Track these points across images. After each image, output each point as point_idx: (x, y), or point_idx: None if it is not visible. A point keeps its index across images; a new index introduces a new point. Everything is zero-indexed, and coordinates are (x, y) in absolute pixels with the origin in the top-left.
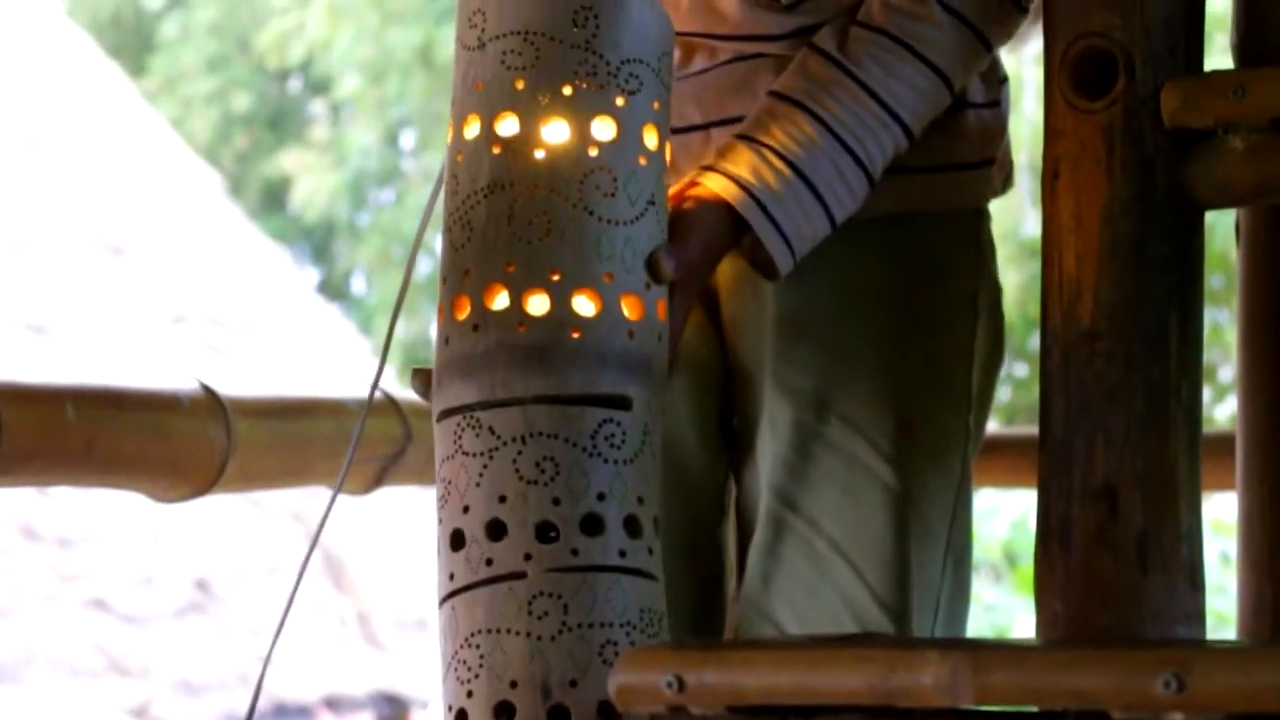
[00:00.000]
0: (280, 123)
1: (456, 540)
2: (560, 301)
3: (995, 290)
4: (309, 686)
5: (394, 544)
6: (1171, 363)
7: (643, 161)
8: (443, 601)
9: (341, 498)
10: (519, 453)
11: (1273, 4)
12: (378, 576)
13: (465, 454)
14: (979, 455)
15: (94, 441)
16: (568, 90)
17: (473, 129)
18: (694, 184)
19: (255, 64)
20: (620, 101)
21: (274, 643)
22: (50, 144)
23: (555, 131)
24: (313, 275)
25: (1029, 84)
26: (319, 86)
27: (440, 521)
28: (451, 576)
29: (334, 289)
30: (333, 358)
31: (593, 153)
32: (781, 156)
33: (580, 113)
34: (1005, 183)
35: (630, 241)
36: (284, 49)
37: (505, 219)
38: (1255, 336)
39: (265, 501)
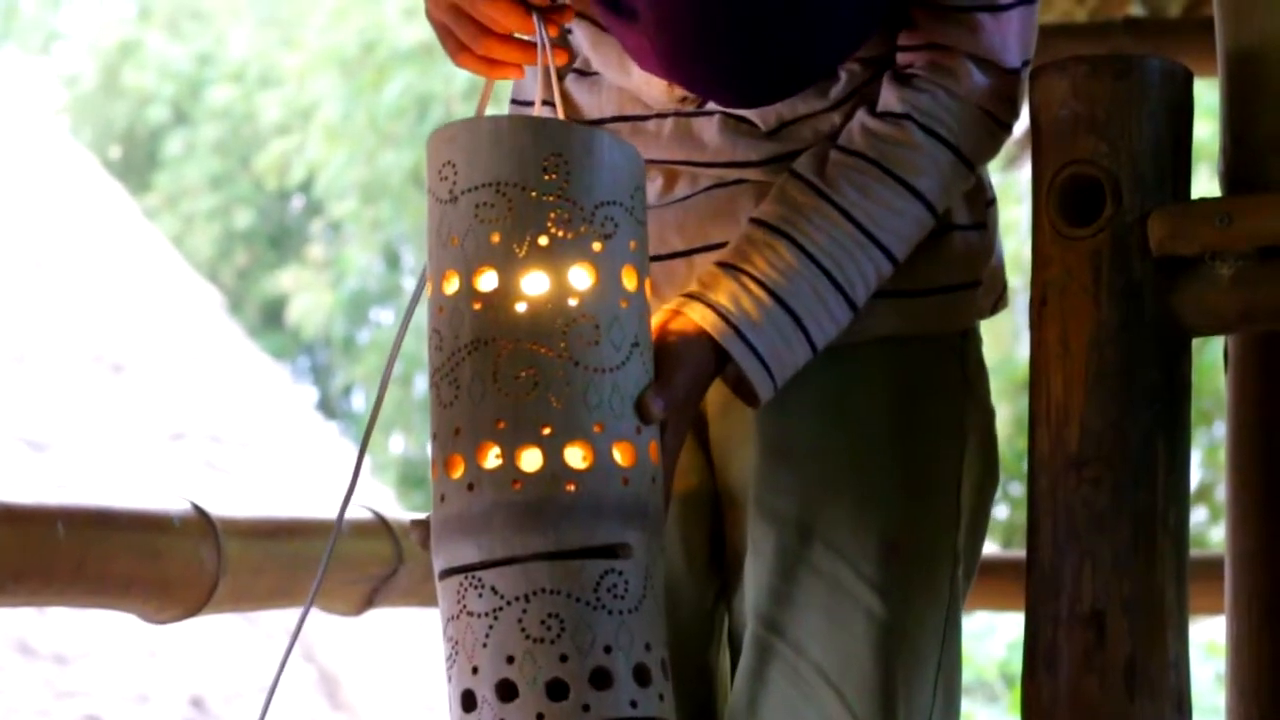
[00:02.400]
0: (281, 241)
1: (468, 701)
2: (552, 455)
3: (985, 411)
4: None
5: (389, 663)
6: (1159, 490)
7: (623, 305)
8: None
9: (335, 617)
10: (524, 611)
11: (1259, 132)
12: (373, 695)
13: (470, 614)
14: (977, 577)
15: (84, 561)
16: (544, 241)
17: (452, 285)
18: (676, 313)
19: (256, 182)
20: (597, 247)
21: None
22: (52, 260)
23: (534, 283)
24: (311, 392)
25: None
26: (317, 206)
27: (450, 680)
28: None
29: (332, 406)
30: (330, 475)
31: (573, 301)
32: (761, 284)
33: (558, 262)
34: (997, 304)
35: (617, 388)
36: (284, 169)
37: (491, 375)
38: (1244, 462)
39: (260, 619)
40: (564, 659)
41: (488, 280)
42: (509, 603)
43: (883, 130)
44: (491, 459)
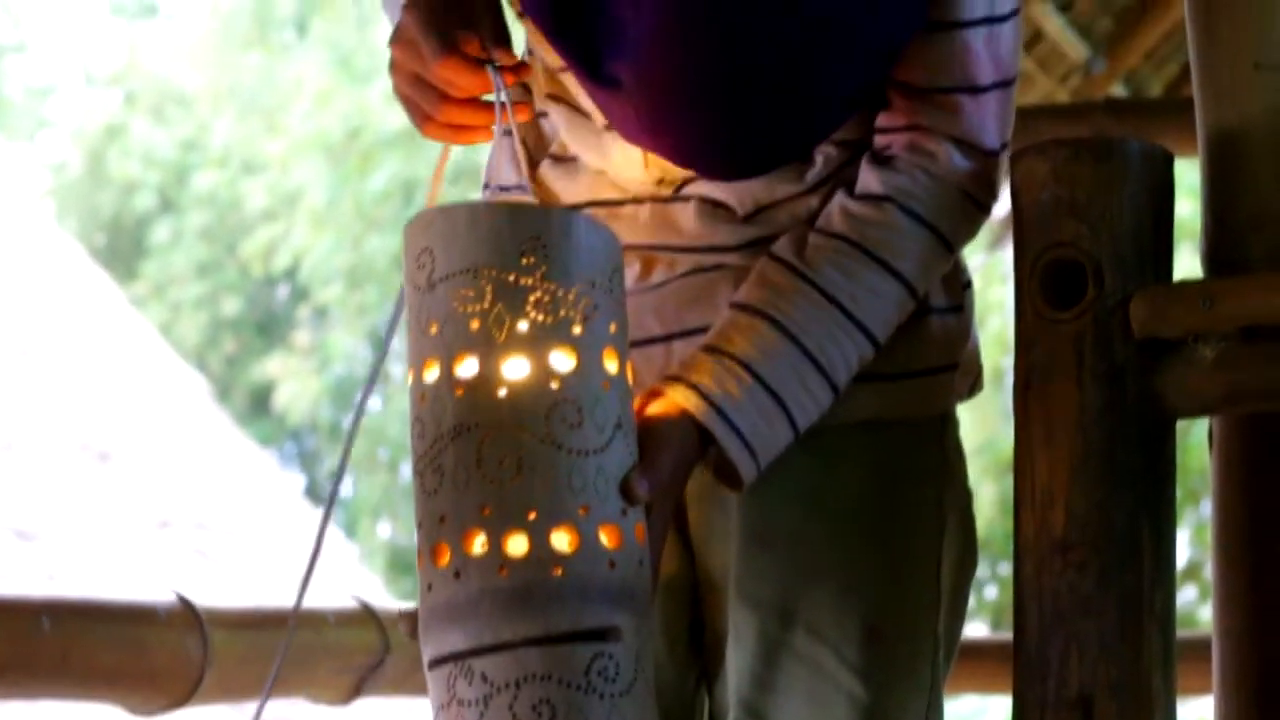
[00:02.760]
0: (268, 328)
1: None
2: (538, 540)
3: (964, 494)
4: None
5: None
6: (1144, 573)
7: (605, 386)
8: None
9: (322, 707)
10: (514, 698)
11: (1240, 212)
12: None
13: (460, 703)
14: (961, 659)
15: (69, 654)
16: (523, 326)
17: (432, 373)
18: (657, 394)
19: (242, 268)
20: (578, 330)
21: None
22: (38, 348)
23: (515, 368)
24: (299, 479)
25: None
26: (303, 292)
27: None
28: None
29: (320, 493)
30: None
31: (554, 385)
32: (743, 364)
33: (538, 347)
34: (973, 387)
35: (601, 470)
36: (270, 255)
37: (475, 462)
38: (1229, 541)
39: (249, 710)
40: None
41: (468, 367)
42: (499, 689)
43: (863, 212)
44: (478, 546)
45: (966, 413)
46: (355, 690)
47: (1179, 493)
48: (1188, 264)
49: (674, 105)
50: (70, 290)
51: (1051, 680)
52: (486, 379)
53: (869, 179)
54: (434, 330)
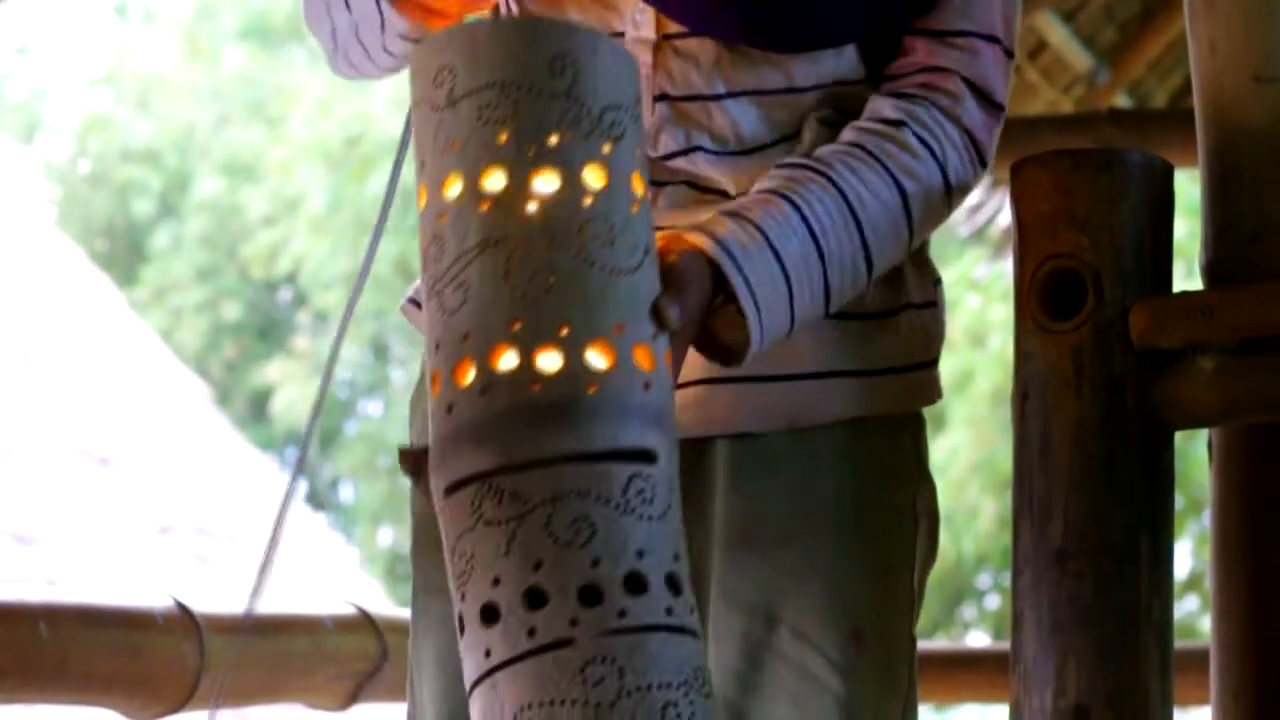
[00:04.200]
0: (269, 333)
1: (489, 614)
2: (573, 356)
3: (932, 493)
4: None
5: None
6: (1142, 583)
7: (634, 209)
8: (478, 684)
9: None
10: (550, 515)
11: (1240, 224)
12: None
13: (488, 524)
14: (961, 669)
15: (66, 660)
16: (554, 140)
17: (454, 189)
18: (675, 238)
19: (243, 273)
20: (607, 149)
21: None
22: (39, 353)
23: (546, 182)
24: (300, 484)
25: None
26: (303, 297)
27: (463, 599)
28: (488, 653)
29: (320, 498)
30: (317, 568)
31: (586, 202)
32: (756, 226)
33: (570, 162)
34: (936, 388)
35: (634, 290)
36: (270, 261)
37: (503, 276)
38: (1228, 554)
39: (249, 716)
40: (596, 563)
41: (495, 180)
42: (533, 507)
43: (877, 128)
44: (506, 362)
45: (966, 429)
46: (353, 696)
47: (1181, 503)
48: (1183, 285)
49: None
50: (71, 295)
51: (1049, 690)
52: (515, 193)
53: (882, 105)
54: (456, 147)
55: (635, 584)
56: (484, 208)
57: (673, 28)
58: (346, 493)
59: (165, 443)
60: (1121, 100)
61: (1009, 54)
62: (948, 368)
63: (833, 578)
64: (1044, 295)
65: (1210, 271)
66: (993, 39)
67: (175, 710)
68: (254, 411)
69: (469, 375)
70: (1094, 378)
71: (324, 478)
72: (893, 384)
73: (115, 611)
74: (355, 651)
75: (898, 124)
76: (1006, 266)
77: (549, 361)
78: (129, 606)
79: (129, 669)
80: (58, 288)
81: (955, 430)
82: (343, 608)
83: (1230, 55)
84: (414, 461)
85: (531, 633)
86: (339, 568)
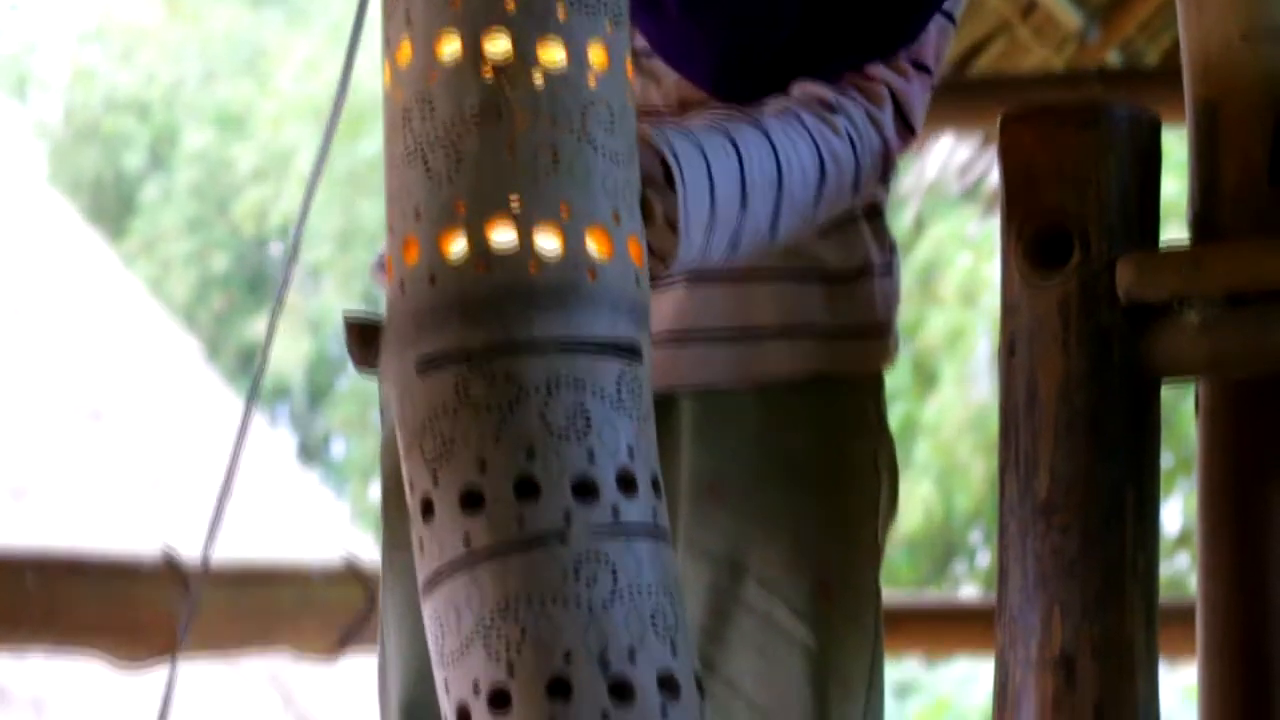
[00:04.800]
0: (259, 286)
1: (471, 500)
2: (573, 240)
3: (892, 450)
4: None
5: (366, 710)
6: (1128, 536)
7: (629, 99)
8: (453, 571)
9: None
10: (546, 404)
11: (1228, 179)
12: None
13: (474, 407)
14: (951, 623)
15: (54, 608)
16: (561, 12)
17: (451, 48)
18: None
19: (233, 228)
20: (609, 28)
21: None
22: (29, 307)
23: (553, 54)
24: (290, 439)
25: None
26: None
27: (436, 484)
28: (468, 541)
29: (312, 453)
30: (308, 522)
31: (591, 83)
32: (684, 127)
33: (576, 38)
34: (895, 351)
35: (629, 182)
36: (260, 217)
37: (506, 148)
38: (1214, 510)
39: (242, 668)
40: (591, 457)
41: (500, 45)
42: (527, 393)
43: (815, 108)
44: (503, 238)
45: (957, 387)
46: (340, 644)
47: (1173, 461)
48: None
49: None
50: (61, 249)
51: (1035, 641)
52: (522, 62)
53: (816, 88)
54: (455, 4)
55: (627, 483)
56: (486, 74)
57: (643, 43)
58: (338, 448)
59: (156, 396)
60: (1112, 59)
61: (933, 87)
62: (940, 325)
63: (799, 530)
64: (1031, 250)
65: (1197, 226)
66: (924, 68)
67: (161, 657)
68: (243, 365)
69: (459, 247)
70: (1080, 331)
71: (315, 433)
72: (855, 345)
73: (103, 561)
74: (342, 602)
75: (832, 109)
76: (998, 224)
77: (548, 243)
78: (116, 556)
79: (116, 617)
80: (48, 242)
81: (946, 388)
82: (330, 559)
83: (1218, 14)
84: (364, 334)
85: (520, 523)
86: (329, 522)
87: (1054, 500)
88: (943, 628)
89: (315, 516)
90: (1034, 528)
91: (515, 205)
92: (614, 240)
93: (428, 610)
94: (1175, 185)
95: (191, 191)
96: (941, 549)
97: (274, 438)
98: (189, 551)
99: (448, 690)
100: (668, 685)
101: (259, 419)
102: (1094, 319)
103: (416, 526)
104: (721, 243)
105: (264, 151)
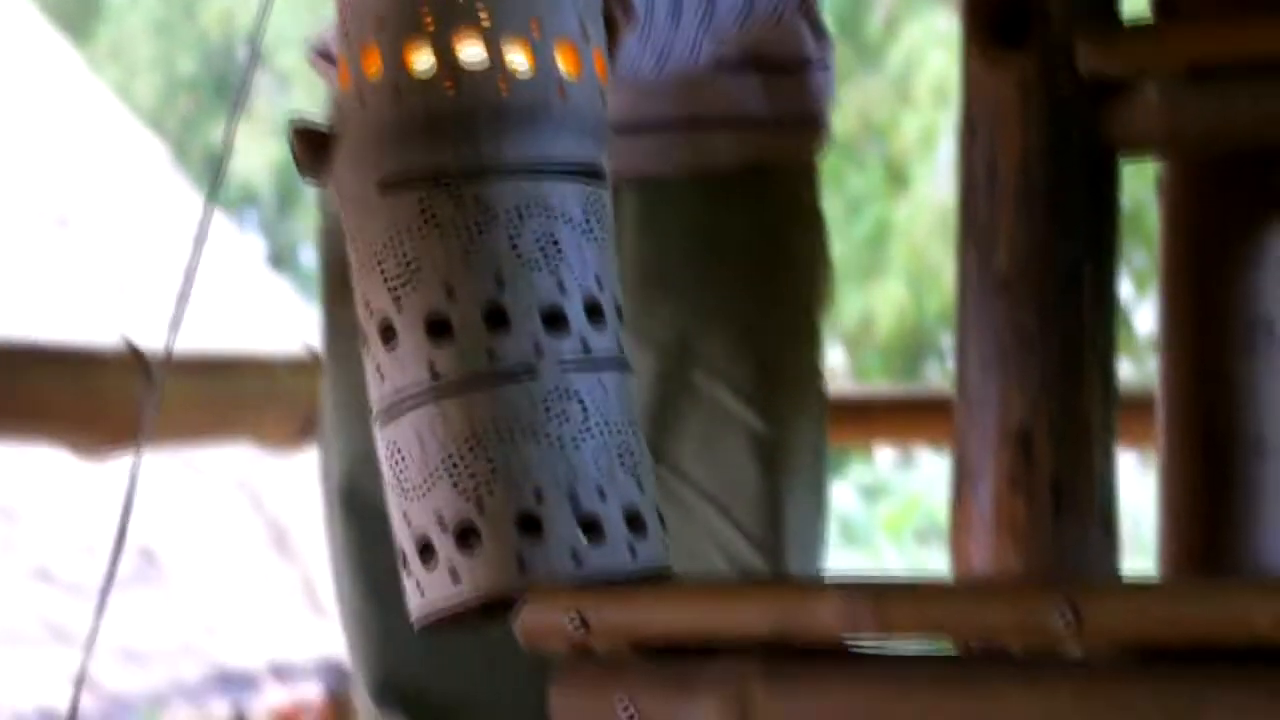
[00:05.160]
0: (225, 90)
1: (438, 328)
2: (543, 56)
3: (827, 239)
4: (255, 654)
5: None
6: (1085, 311)
7: None
8: (417, 402)
9: (284, 462)
10: (516, 230)
11: None
12: (321, 543)
13: (440, 227)
14: (933, 414)
15: (14, 394)
16: None
17: None
18: None
19: (200, 32)
20: None
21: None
22: None
23: None
24: (259, 245)
25: None
26: (263, 58)
27: (399, 308)
28: (433, 370)
29: (282, 259)
30: (278, 324)
31: None
32: None
33: None
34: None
35: None
36: (229, 19)
37: None
38: (1176, 294)
39: (208, 472)
40: (561, 287)
41: None
42: (495, 217)
43: None
44: (472, 53)
45: (929, 187)
46: (301, 434)
47: (1147, 261)
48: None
49: None
50: (26, 53)
51: (992, 417)
52: None
53: None
54: None
55: (596, 314)
56: None
57: None
58: (307, 255)
59: (123, 201)
60: None
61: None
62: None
63: (740, 317)
64: (990, 24)
65: (1158, 2)
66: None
67: (125, 445)
68: (211, 169)
69: (424, 60)
70: (1040, 107)
71: (285, 240)
72: (791, 135)
73: (64, 348)
74: (305, 391)
75: None
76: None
77: (518, 60)
78: (79, 344)
79: (77, 405)
80: (13, 47)
81: (918, 188)
82: (294, 348)
83: None
84: (314, 141)
85: (491, 355)
86: (299, 326)
87: (1012, 275)
88: (907, 415)
89: (285, 320)
90: (992, 303)
91: (484, 19)
92: (582, 57)
93: (384, 438)
94: None
95: None
96: (914, 350)
97: (243, 243)
98: (149, 342)
99: (408, 521)
100: (634, 523)
101: (227, 225)
102: (1054, 95)
103: (373, 350)
104: (655, 55)
105: None
